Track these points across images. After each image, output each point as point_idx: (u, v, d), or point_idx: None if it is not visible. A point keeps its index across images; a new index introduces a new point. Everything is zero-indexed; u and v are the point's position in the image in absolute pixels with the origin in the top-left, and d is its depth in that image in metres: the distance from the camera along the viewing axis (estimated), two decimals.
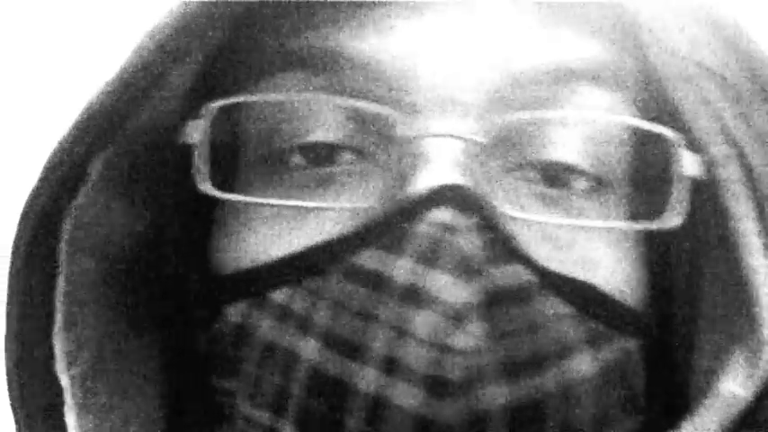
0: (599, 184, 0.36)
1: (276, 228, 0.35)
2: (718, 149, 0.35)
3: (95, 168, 0.36)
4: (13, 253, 0.37)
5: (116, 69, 0.35)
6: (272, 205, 0.35)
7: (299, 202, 0.35)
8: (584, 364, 0.34)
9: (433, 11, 0.34)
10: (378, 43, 0.34)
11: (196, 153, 0.35)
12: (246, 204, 0.36)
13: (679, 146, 0.35)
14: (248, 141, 0.37)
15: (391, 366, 0.31)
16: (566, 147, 0.35)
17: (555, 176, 0.35)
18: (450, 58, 0.34)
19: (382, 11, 0.34)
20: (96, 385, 0.37)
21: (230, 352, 0.35)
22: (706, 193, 0.36)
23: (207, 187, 0.35)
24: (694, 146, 0.35)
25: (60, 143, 0.35)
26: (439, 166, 0.33)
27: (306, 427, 0.33)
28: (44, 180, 0.36)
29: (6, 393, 0.38)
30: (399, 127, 0.34)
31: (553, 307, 0.33)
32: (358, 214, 0.34)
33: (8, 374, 0.37)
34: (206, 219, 0.38)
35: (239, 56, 0.37)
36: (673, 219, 0.35)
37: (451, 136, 0.33)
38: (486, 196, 0.33)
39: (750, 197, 0.35)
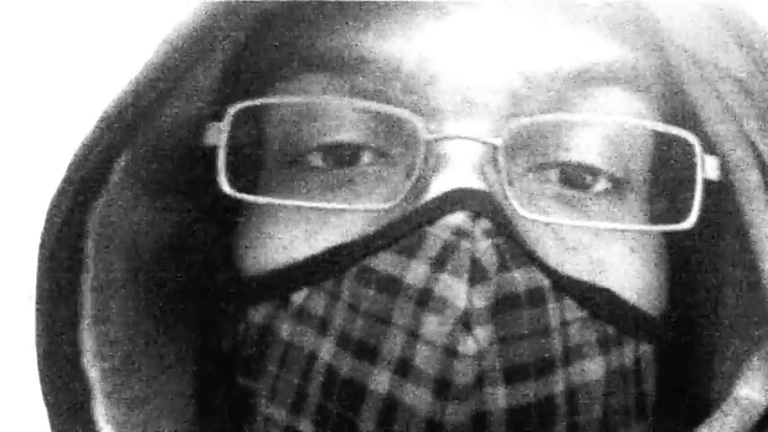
0: (617, 186, 0.36)
1: (297, 230, 0.35)
2: (738, 154, 0.35)
3: (120, 167, 0.36)
4: (40, 250, 0.37)
5: (139, 68, 0.35)
6: (291, 206, 0.35)
7: (318, 203, 0.35)
8: (593, 368, 0.34)
9: (454, 14, 0.34)
10: (400, 46, 0.34)
11: (218, 154, 0.35)
12: (268, 206, 0.36)
13: (698, 149, 0.34)
14: (270, 143, 0.37)
15: (403, 369, 0.31)
16: (584, 149, 0.35)
17: (573, 178, 0.35)
18: (471, 60, 0.34)
19: (404, 14, 0.35)
20: (127, 379, 0.37)
21: (253, 352, 0.36)
22: (725, 198, 0.35)
23: (227, 188, 0.35)
24: (713, 149, 0.35)
25: (84, 141, 0.36)
26: (456, 170, 0.33)
27: (322, 428, 0.33)
28: (69, 178, 0.36)
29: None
30: (419, 129, 0.34)
31: (565, 310, 0.33)
32: (377, 216, 0.34)
33: (38, 368, 0.38)
34: (232, 221, 0.38)
35: (262, 57, 0.38)
36: (688, 221, 0.35)
37: (469, 138, 0.33)
38: (502, 199, 0.33)
39: None
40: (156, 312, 0.39)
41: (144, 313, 0.38)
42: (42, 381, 0.38)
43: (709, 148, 0.35)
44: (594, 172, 0.35)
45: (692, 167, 0.35)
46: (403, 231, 0.33)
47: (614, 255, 0.35)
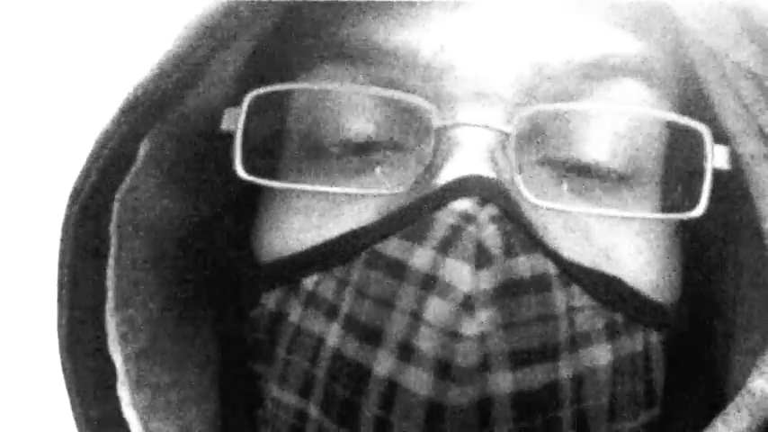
0: (628, 177, 0.36)
1: (311, 217, 0.36)
2: (752, 147, 0.35)
3: (143, 151, 0.36)
4: (63, 235, 0.37)
5: (163, 52, 0.35)
6: (305, 194, 0.36)
7: (331, 188, 0.35)
8: (601, 355, 0.34)
9: (471, 4, 0.35)
10: (417, 36, 0.35)
11: (234, 140, 0.36)
12: (284, 194, 0.37)
13: (708, 138, 0.35)
14: (288, 131, 0.38)
15: (406, 351, 0.32)
16: (596, 140, 0.35)
17: (584, 167, 0.35)
18: (486, 49, 0.34)
19: (422, 4, 0.35)
20: (152, 364, 0.38)
21: (265, 337, 0.36)
22: (738, 191, 0.36)
23: (242, 172, 0.36)
24: (726, 142, 0.35)
25: (107, 125, 0.36)
26: (466, 157, 0.34)
27: (329, 410, 0.33)
28: (91, 162, 0.37)
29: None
30: (432, 116, 0.34)
31: (572, 297, 0.33)
32: (388, 204, 0.35)
33: (60, 354, 0.38)
34: (251, 207, 0.39)
35: (283, 46, 0.38)
36: (697, 210, 0.35)
37: (480, 126, 0.34)
38: (510, 186, 0.34)
39: None
40: (179, 299, 0.39)
41: (168, 300, 0.39)
42: (65, 366, 0.38)
43: (722, 140, 0.35)
44: (605, 162, 0.35)
45: (703, 158, 0.35)
46: (412, 217, 0.33)
47: (624, 244, 0.35)
